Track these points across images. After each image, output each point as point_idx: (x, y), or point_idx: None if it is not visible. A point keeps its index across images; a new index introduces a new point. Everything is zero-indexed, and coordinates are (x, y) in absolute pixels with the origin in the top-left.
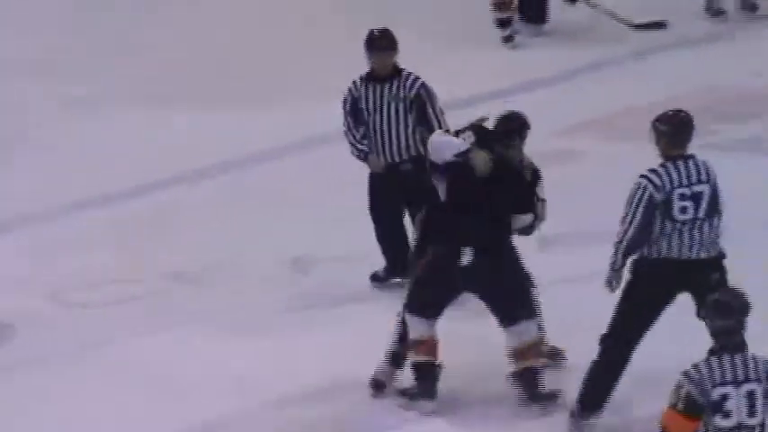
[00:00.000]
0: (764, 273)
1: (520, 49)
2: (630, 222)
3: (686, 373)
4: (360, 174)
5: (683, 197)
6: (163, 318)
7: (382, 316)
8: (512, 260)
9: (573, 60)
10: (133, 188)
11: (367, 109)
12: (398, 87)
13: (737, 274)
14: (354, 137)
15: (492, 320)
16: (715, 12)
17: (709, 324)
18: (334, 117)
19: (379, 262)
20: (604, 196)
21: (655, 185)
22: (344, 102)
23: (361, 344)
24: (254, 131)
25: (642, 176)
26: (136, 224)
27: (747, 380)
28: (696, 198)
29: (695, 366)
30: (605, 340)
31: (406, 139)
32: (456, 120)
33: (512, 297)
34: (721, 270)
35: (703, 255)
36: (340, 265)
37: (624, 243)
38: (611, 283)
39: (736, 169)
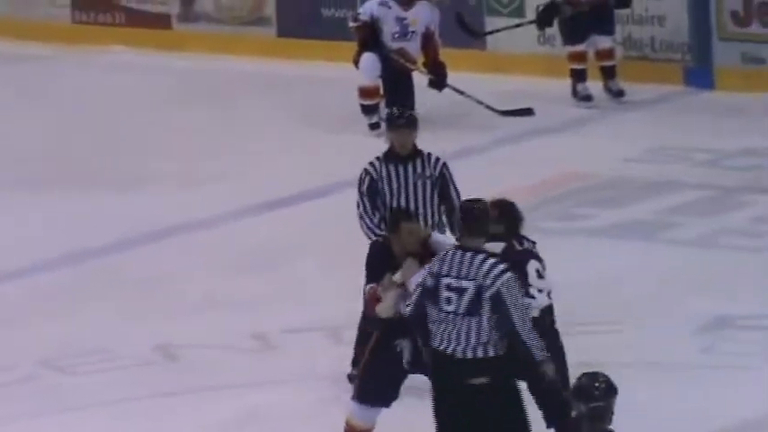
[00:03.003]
0: (636, 349)
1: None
2: None
3: None
4: (235, 256)
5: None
6: (29, 405)
7: (254, 397)
8: None
9: (438, 147)
10: (1, 273)
11: (390, 190)
12: (423, 166)
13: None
14: (371, 220)
15: None
16: (582, 97)
17: (575, 408)
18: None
19: (249, 348)
20: None
21: None
22: (360, 182)
23: (232, 427)
24: (120, 216)
25: None
26: (4, 309)
27: None
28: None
29: None
30: None
31: (432, 217)
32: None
33: None
34: None
35: None
36: (212, 351)
37: None
38: None
39: (602, 253)
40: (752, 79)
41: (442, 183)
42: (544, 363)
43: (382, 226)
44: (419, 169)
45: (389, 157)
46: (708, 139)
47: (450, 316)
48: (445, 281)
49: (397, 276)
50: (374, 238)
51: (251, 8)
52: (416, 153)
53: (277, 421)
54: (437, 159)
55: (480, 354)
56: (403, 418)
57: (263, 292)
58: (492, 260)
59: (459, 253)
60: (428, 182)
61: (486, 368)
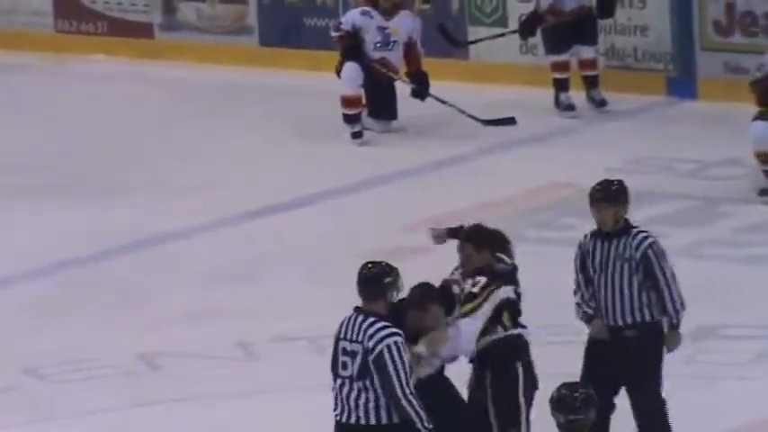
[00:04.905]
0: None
1: (368, 145)
2: None
3: None
4: (218, 266)
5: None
6: (11, 414)
7: (237, 407)
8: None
9: (422, 156)
10: None
11: (593, 266)
12: (625, 246)
13: None
14: (582, 296)
15: None
16: (565, 107)
17: (554, 419)
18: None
19: (233, 357)
20: None
21: None
22: (576, 258)
23: None
24: (103, 226)
25: None
26: None
27: None
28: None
29: None
30: None
31: (631, 303)
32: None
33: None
34: None
35: None
36: (196, 360)
37: None
38: None
39: None
40: (734, 89)
41: (646, 264)
42: None
43: (591, 303)
44: (620, 249)
45: (598, 231)
46: (691, 149)
47: (347, 381)
48: (341, 344)
49: (421, 348)
50: (580, 315)
51: (233, 17)
52: (624, 230)
53: (260, 431)
54: (643, 240)
55: (385, 419)
56: None
57: (247, 301)
58: (380, 324)
59: (354, 316)
60: (626, 264)
61: None
